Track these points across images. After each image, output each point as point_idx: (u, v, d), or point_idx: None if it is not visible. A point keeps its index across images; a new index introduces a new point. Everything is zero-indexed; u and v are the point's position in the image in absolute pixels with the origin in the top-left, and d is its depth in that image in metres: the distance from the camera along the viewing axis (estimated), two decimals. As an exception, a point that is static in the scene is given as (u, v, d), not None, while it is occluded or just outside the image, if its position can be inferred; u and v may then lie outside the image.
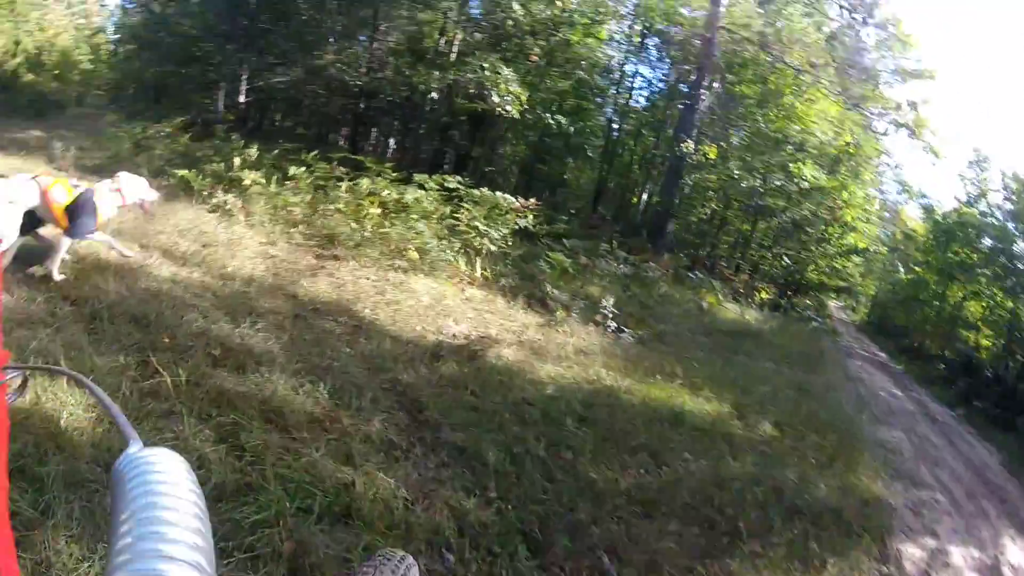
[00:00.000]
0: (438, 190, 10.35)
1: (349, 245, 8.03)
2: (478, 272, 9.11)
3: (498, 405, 4.95)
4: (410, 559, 1.41)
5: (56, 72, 23.46)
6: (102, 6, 29.63)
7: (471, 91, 13.05)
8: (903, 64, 35.42)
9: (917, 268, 34.65)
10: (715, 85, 20.61)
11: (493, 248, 9.73)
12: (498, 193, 10.41)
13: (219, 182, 9.14)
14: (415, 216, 9.33)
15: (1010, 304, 27.31)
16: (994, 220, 28.30)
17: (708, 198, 22.46)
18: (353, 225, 8.47)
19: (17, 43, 20.31)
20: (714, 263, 23.65)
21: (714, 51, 19.20)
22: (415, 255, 8.38)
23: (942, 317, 32.57)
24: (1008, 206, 27.48)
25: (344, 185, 9.67)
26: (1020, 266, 25.89)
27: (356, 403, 4.24)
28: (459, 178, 10.85)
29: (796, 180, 21.29)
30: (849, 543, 4.60)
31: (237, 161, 9.63)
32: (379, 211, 9.20)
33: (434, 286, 7.88)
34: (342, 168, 10.16)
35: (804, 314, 21.66)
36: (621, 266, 13.74)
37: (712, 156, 20.07)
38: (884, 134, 35.71)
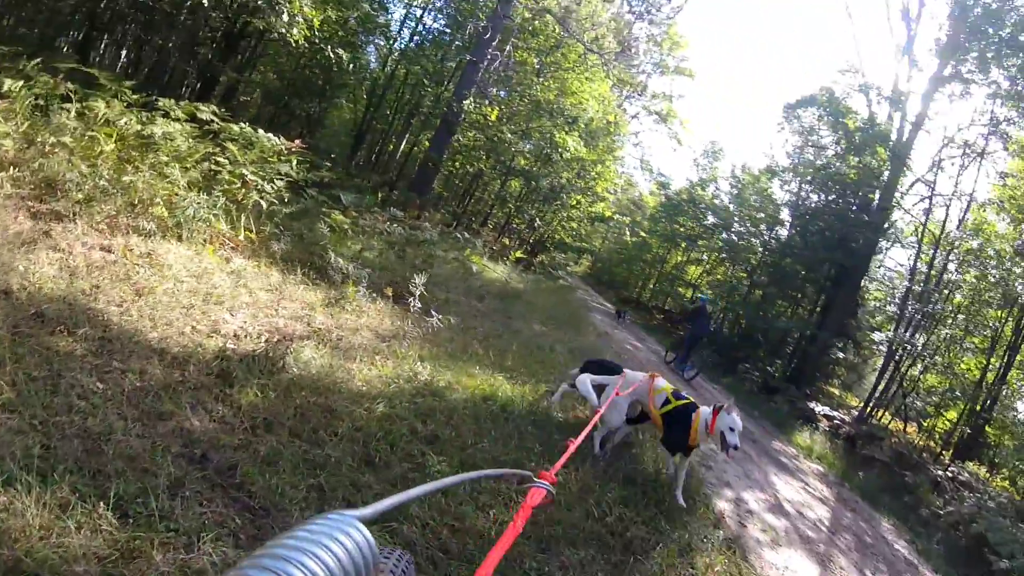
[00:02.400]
0: (188, 121, 8.27)
1: (77, 197, 5.82)
2: (243, 235, 7.45)
3: (335, 450, 3.82)
4: (408, 556, 1.39)
5: None
6: None
7: (253, 3, 10.86)
8: (667, 60, 38.67)
9: (643, 233, 38.32)
10: (507, 48, 19.94)
11: (263, 204, 8.10)
12: (261, 132, 8.70)
13: None
14: (165, 158, 7.31)
15: (723, 270, 32.76)
16: (719, 202, 31.71)
17: (476, 156, 21.88)
18: (83, 168, 6.18)
19: None
20: (470, 221, 23.53)
21: (508, 12, 18.52)
22: (163, 211, 6.45)
23: (663, 275, 36.42)
24: (733, 192, 31.06)
25: (72, 108, 7.10)
26: (738, 240, 29.33)
27: (158, 508, 2.73)
28: (214, 108, 8.95)
29: (560, 150, 21.62)
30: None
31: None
32: (117, 148, 7.01)
33: (192, 257, 6.15)
34: (70, 84, 7.66)
35: (553, 272, 22.44)
36: (394, 225, 12.56)
37: (493, 118, 19.44)
38: (635, 117, 38.90)
